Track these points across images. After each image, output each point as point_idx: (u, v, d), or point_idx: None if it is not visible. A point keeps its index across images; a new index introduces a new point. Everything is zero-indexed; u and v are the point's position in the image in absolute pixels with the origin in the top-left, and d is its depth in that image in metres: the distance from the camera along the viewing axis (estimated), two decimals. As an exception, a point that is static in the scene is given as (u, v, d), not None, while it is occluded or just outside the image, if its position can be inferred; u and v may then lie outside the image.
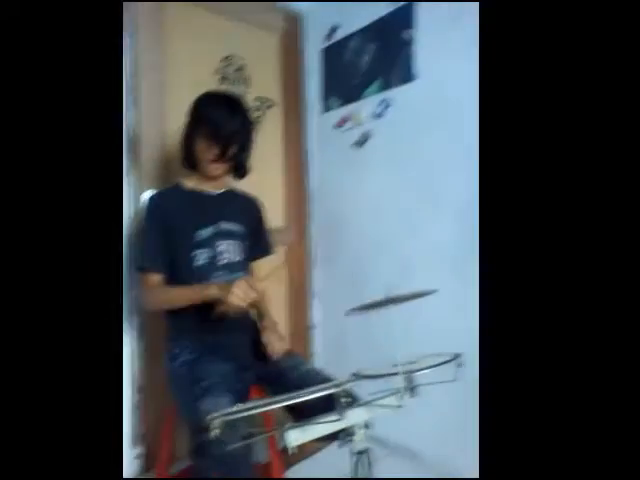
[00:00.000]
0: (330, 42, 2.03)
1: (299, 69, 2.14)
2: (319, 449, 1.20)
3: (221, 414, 0.67)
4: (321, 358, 2.16)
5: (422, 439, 1.67)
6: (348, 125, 1.95)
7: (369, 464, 0.81)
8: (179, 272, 1.26)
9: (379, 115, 1.82)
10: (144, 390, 1.64)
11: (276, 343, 1.25)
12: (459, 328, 1.39)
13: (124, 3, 1.48)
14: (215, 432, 0.66)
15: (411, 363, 0.87)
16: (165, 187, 1.41)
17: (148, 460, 1.63)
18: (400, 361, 0.81)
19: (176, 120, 1.55)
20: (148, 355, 1.64)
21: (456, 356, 0.86)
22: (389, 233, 1.82)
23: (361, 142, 1.90)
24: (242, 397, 1.11)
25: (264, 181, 1.92)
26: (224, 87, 1.85)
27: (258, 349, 1.27)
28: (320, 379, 1.10)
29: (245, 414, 0.69)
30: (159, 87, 1.68)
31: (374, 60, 1.84)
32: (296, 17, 2.12)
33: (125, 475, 1.59)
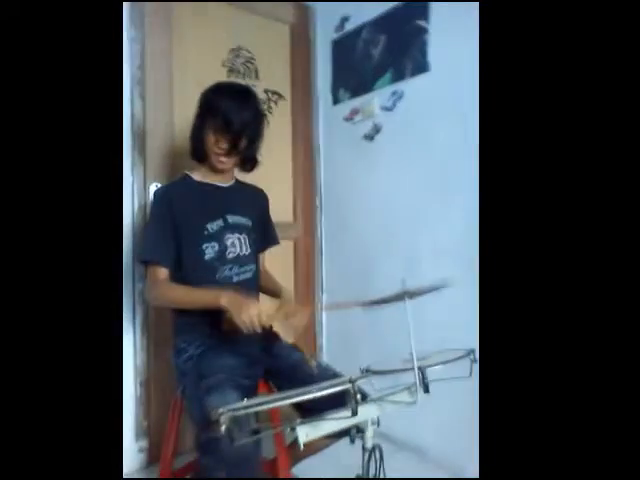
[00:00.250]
0: (340, 33, 2.00)
1: (309, 61, 2.12)
2: (326, 445, 1.18)
3: (229, 409, 0.65)
4: (329, 353, 2.15)
5: (428, 435, 1.65)
6: (358, 118, 1.92)
7: (381, 460, 0.79)
8: (187, 266, 1.25)
9: (390, 107, 1.79)
10: (148, 383, 1.63)
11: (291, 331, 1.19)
12: (468, 324, 1.37)
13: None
14: (223, 427, 0.64)
15: (424, 359, 0.86)
16: (173, 180, 1.40)
17: (152, 453, 1.63)
18: (411, 357, 0.79)
19: (184, 112, 1.53)
20: (152, 348, 1.63)
21: (470, 351, 0.85)
22: (398, 228, 1.79)
23: (371, 135, 1.87)
24: (250, 392, 1.09)
25: (272, 174, 1.90)
26: (232, 79, 1.83)
27: (267, 342, 1.24)
28: (330, 375, 1.09)
29: (255, 409, 0.67)
30: (167, 78, 1.67)
31: (385, 51, 1.80)
32: (306, 8, 2.09)
33: (129, 467, 1.59)
